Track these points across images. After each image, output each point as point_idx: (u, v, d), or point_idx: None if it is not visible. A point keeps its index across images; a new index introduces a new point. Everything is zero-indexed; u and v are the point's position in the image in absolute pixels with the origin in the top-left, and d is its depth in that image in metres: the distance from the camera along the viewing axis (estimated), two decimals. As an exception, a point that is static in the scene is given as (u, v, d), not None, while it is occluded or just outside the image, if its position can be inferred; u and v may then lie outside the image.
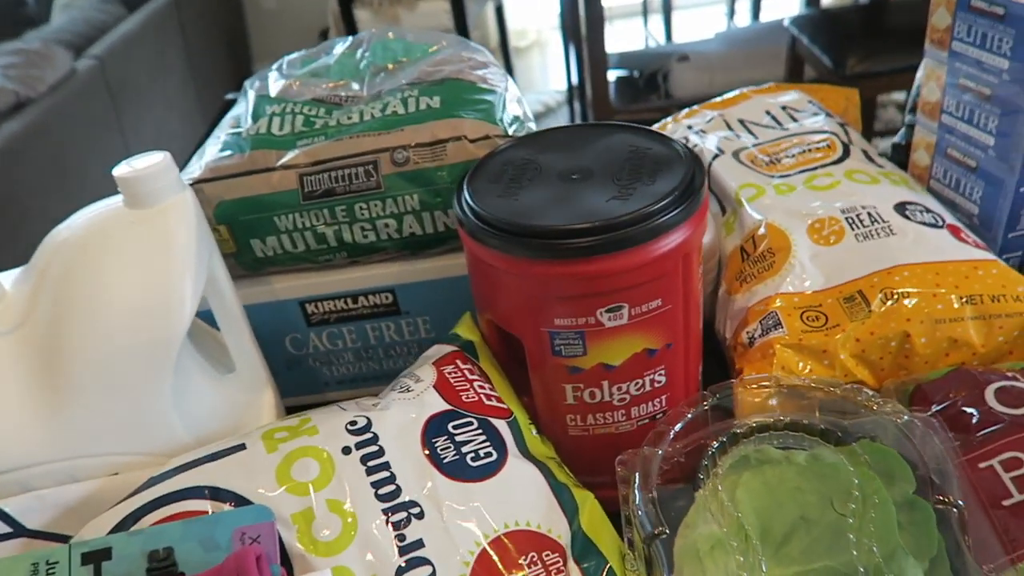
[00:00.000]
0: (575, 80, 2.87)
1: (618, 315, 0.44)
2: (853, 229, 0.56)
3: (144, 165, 0.44)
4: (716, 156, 0.69)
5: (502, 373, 0.50)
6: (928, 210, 0.58)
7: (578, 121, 2.97)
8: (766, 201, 0.61)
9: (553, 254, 0.42)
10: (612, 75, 2.67)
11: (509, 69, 2.69)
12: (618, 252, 0.42)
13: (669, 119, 0.84)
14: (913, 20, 1.97)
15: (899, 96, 2.63)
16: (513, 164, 0.50)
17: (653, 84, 2.60)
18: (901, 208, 0.58)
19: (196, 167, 0.58)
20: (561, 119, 3.07)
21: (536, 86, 3.51)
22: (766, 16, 3.06)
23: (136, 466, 0.44)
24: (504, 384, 0.49)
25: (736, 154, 0.69)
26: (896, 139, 0.80)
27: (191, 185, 0.56)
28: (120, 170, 0.44)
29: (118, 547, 0.34)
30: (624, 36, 3.73)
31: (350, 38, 0.72)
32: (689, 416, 0.45)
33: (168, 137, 2.89)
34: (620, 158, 0.48)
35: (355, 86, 0.66)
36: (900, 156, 0.77)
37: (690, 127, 0.78)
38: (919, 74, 0.75)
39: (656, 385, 0.48)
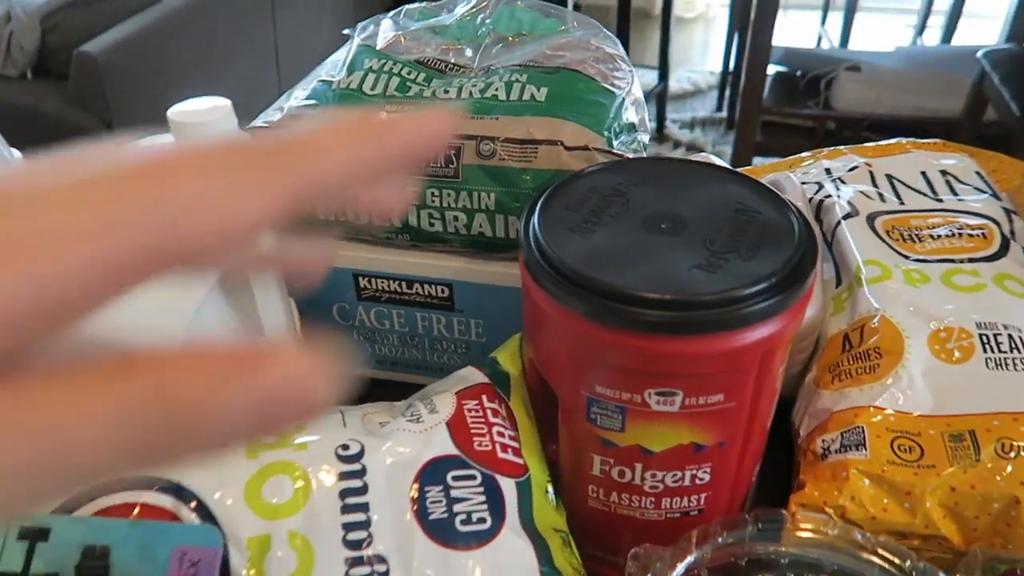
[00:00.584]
0: (732, 66, 2.70)
1: (669, 401, 0.38)
2: (985, 351, 0.47)
3: (200, 109, 0.40)
4: (847, 216, 0.60)
5: (532, 418, 0.45)
6: (1087, 348, 0.48)
7: (725, 110, 2.81)
8: (890, 288, 0.52)
9: (610, 318, 0.36)
10: (771, 69, 2.49)
11: (666, 41, 2.55)
12: (686, 336, 0.36)
13: (808, 155, 0.74)
14: None
15: (1090, 160, 2.34)
16: (600, 191, 0.43)
17: (814, 89, 2.41)
18: (1054, 339, 0.48)
19: (277, 111, 0.55)
20: (708, 103, 2.92)
21: (692, 62, 3.34)
22: (959, 40, 2.78)
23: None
24: (531, 431, 0.44)
25: (872, 218, 0.60)
26: (1071, 237, 0.68)
27: (265, 129, 0.52)
28: (174, 112, 0.41)
29: (58, 530, 0.32)
30: (795, 29, 3.48)
31: (476, -2, 0.66)
32: (720, 541, 0.39)
33: (317, 40, 2.92)
34: (722, 215, 0.41)
35: (468, 52, 0.61)
36: (1070, 260, 0.65)
37: (828, 171, 0.68)
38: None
39: (698, 482, 0.42)
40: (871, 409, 0.46)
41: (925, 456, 0.43)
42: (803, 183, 0.67)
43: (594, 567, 0.46)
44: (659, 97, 2.63)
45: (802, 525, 0.39)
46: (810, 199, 0.65)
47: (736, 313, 0.35)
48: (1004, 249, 0.56)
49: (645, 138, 0.57)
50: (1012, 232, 0.59)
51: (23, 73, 1.91)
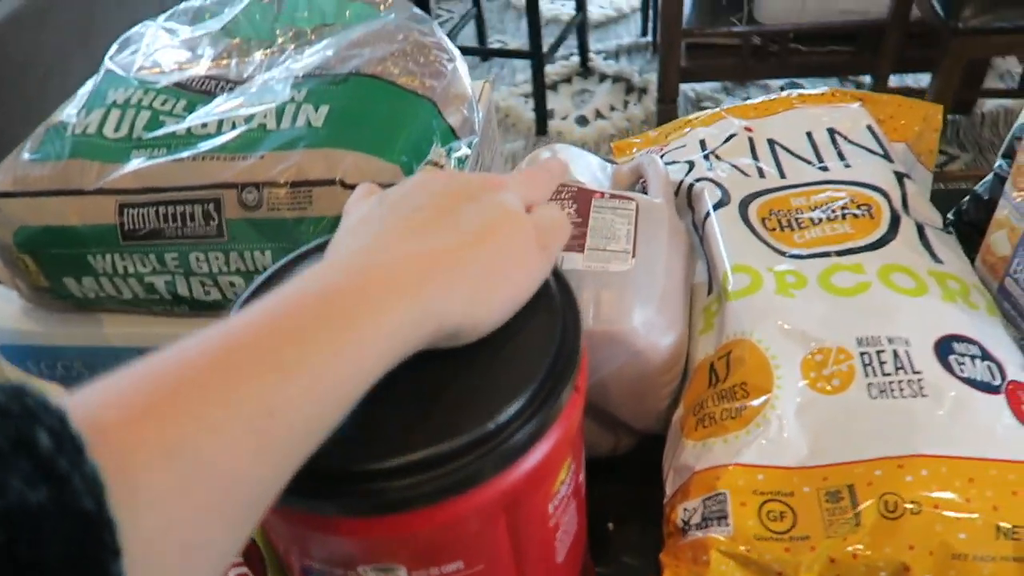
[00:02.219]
0: (651, -14, 2.57)
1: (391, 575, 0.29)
2: (867, 375, 0.40)
3: None
4: (719, 204, 0.52)
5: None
6: (984, 355, 0.41)
7: (650, 34, 2.68)
8: (759, 302, 0.44)
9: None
10: (692, -13, 2.37)
11: (579, -33, 2.40)
12: (370, 518, 0.26)
13: (686, 120, 0.65)
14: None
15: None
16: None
17: (737, 3, 2.29)
18: (945, 348, 0.41)
19: (8, 171, 0.44)
20: (632, 28, 2.78)
21: (613, -15, 3.18)
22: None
23: None
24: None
25: (745, 204, 0.52)
26: (978, 188, 0.60)
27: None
28: None
29: None
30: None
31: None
32: None
33: None
34: None
35: (256, 56, 0.51)
36: (978, 214, 0.58)
37: (703, 143, 0.60)
38: (1020, 119, 0.55)
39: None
40: (734, 468, 0.38)
41: (798, 524, 0.36)
42: (672, 163, 0.59)
43: None
44: (579, 28, 2.49)
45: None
46: (680, 182, 0.56)
47: (436, 483, 0.26)
48: (893, 230, 0.48)
49: (465, 149, 0.48)
50: (905, 202, 0.51)
51: None
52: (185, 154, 0.42)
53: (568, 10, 2.81)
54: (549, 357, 0.30)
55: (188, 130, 0.44)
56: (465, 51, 2.59)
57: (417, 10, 0.53)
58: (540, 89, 2.24)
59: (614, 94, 2.42)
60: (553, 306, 0.32)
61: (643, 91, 2.42)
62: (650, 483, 0.46)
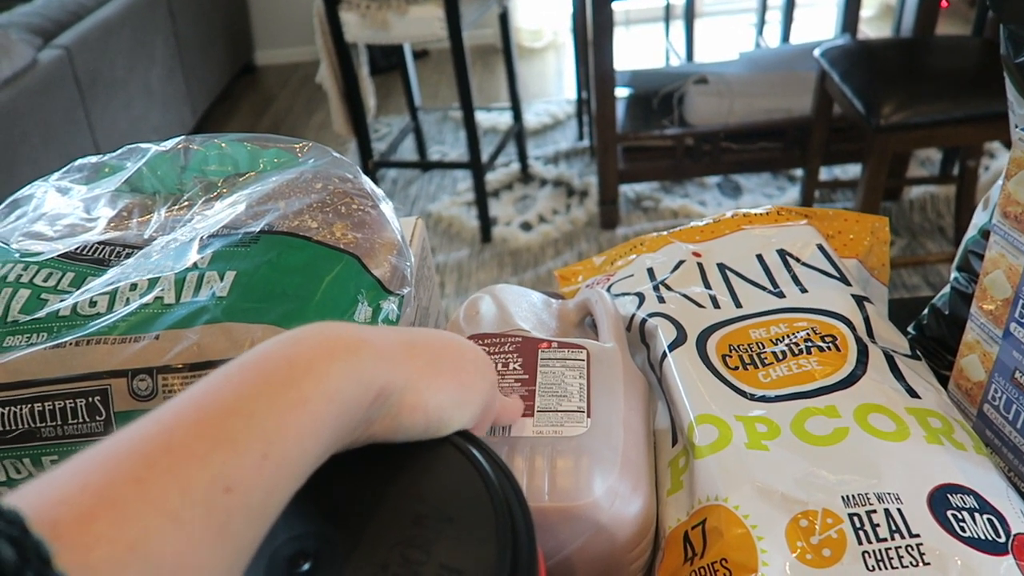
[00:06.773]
0: (585, 93, 2.64)
1: None
2: (860, 542, 0.35)
3: None
4: (674, 344, 0.48)
5: None
6: (983, 506, 0.37)
7: (586, 139, 2.74)
8: (731, 459, 0.40)
9: None
10: (623, 93, 2.44)
11: (512, 78, 2.46)
12: None
13: (631, 244, 0.63)
14: (958, 63, 1.72)
15: (939, 134, 2.37)
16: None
17: (667, 107, 2.37)
18: (941, 502, 0.36)
19: None
20: (569, 133, 2.85)
21: (548, 93, 3.28)
22: (799, 29, 2.81)
23: None
24: None
25: (703, 340, 0.48)
26: (936, 300, 0.58)
27: None
28: None
29: None
30: (642, 45, 3.48)
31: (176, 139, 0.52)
32: None
33: (147, 132, 2.70)
34: (391, 540, 0.27)
35: (162, 213, 0.46)
36: (940, 330, 0.55)
37: (651, 272, 0.56)
38: (970, 232, 0.54)
39: None
40: (726, 674, 0.33)
41: None
42: (621, 295, 0.55)
43: None
44: (517, 136, 2.53)
45: None
46: (631, 317, 0.52)
47: None
48: (861, 363, 0.45)
49: (394, 306, 0.43)
50: (869, 329, 0.48)
51: None
52: (68, 338, 0.36)
53: (505, 119, 2.87)
54: None
55: (74, 308, 0.38)
56: (405, 164, 2.61)
57: (337, 155, 0.50)
58: (482, 198, 2.25)
59: (555, 198, 2.44)
60: (500, 519, 0.27)
61: (584, 194, 2.44)
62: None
